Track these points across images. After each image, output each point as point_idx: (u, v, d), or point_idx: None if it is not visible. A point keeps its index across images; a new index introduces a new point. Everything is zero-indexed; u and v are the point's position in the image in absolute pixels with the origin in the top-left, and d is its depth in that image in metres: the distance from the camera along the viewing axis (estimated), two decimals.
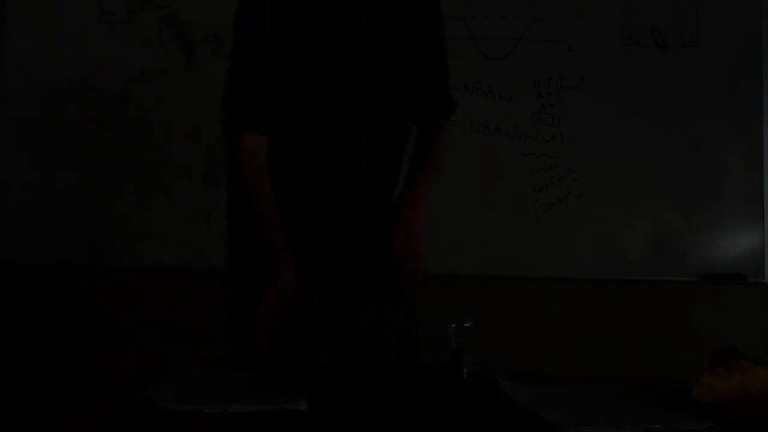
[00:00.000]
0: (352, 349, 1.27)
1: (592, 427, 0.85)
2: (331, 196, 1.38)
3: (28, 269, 2.35)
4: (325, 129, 1.35)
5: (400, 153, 1.46)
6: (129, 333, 2.27)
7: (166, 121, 2.35)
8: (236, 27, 1.35)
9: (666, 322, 2.43)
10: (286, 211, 1.32)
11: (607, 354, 2.37)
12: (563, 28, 2.42)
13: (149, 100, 2.36)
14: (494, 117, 2.42)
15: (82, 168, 2.37)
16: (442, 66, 1.50)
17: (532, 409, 0.92)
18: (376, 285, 1.36)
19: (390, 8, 1.38)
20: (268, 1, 1.32)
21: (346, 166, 1.41)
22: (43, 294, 2.37)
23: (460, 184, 2.38)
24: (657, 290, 2.43)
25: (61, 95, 2.38)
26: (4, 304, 2.33)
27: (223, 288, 1.39)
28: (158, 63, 2.34)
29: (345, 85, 1.35)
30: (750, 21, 2.41)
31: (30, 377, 1.12)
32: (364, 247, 1.38)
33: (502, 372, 0.96)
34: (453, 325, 0.93)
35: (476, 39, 2.43)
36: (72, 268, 2.36)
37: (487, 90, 2.42)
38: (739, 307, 2.43)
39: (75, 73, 2.38)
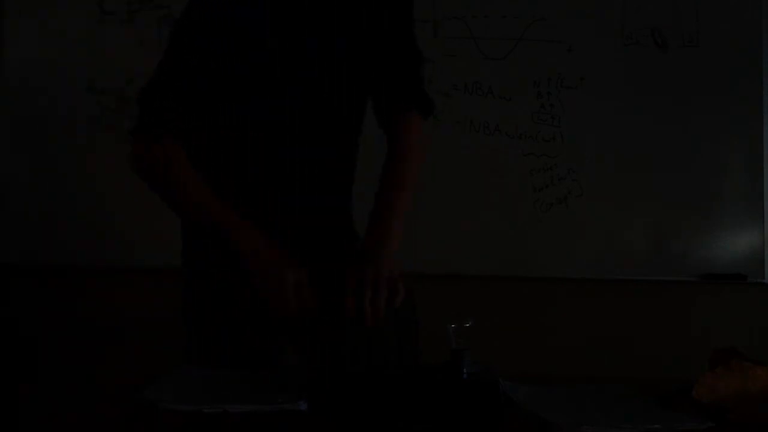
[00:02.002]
0: (352, 349, 1.27)
1: (592, 427, 0.85)
2: (331, 196, 1.39)
3: (28, 269, 2.36)
4: (325, 129, 1.35)
5: None
6: (129, 333, 2.28)
7: None
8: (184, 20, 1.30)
9: (666, 322, 2.43)
10: (286, 211, 1.32)
11: (607, 354, 2.37)
12: (563, 28, 2.42)
13: None
14: (494, 117, 2.42)
15: (82, 168, 2.37)
16: (409, 54, 1.40)
17: (532, 409, 0.92)
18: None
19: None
20: None
21: (346, 166, 1.41)
22: (43, 294, 2.37)
23: (460, 184, 2.38)
24: (657, 290, 2.43)
25: (61, 95, 2.38)
26: (4, 304, 2.33)
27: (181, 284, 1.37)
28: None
29: (345, 84, 1.35)
30: (750, 21, 2.41)
31: (30, 377, 1.12)
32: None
33: (502, 372, 0.96)
34: (453, 325, 0.93)
35: (476, 39, 2.43)
36: (72, 268, 2.36)
37: (487, 90, 2.42)
38: (739, 307, 2.43)
39: (75, 73, 2.38)
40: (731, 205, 2.40)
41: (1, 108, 2.39)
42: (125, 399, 0.94)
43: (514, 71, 2.42)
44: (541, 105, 2.43)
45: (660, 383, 1.04)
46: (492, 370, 0.92)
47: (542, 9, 2.43)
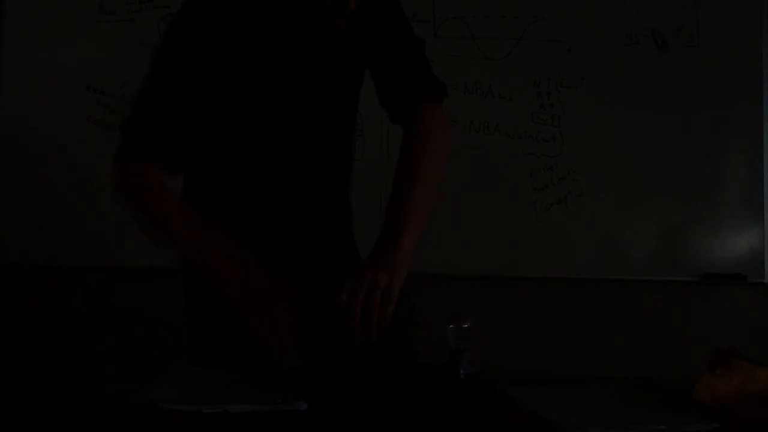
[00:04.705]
0: (352, 349, 1.27)
1: (596, 427, 0.85)
2: (331, 196, 1.39)
3: (28, 269, 2.35)
4: (325, 129, 1.35)
5: None
6: (129, 333, 2.28)
7: None
8: (173, 36, 1.26)
9: (666, 322, 2.43)
10: (286, 212, 1.32)
11: (607, 354, 2.37)
12: (563, 28, 2.42)
13: None
14: (494, 117, 2.42)
15: (82, 168, 2.37)
16: (409, 42, 1.36)
17: (532, 409, 0.92)
18: None
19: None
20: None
21: (345, 166, 1.41)
22: (43, 294, 2.37)
23: (460, 184, 2.38)
24: (657, 290, 2.43)
25: (61, 95, 2.38)
26: (4, 304, 2.33)
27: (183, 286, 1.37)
28: None
29: (345, 84, 1.35)
30: (750, 21, 2.41)
31: (30, 377, 1.12)
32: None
33: (502, 372, 0.96)
34: (452, 326, 0.93)
35: (476, 39, 2.43)
36: (72, 268, 2.36)
37: (487, 90, 2.42)
38: (739, 307, 2.43)
39: (75, 73, 2.38)
40: (731, 205, 2.40)
41: (1, 108, 2.39)
42: (125, 399, 0.94)
43: (514, 71, 2.42)
44: (541, 105, 2.43)
45: (660, 383, 1.04)
46: (491, 370, 0.92)
47: (542, 9, 2.43)
